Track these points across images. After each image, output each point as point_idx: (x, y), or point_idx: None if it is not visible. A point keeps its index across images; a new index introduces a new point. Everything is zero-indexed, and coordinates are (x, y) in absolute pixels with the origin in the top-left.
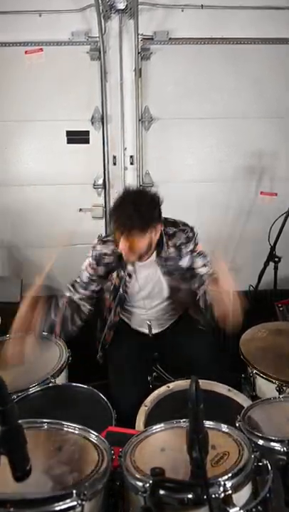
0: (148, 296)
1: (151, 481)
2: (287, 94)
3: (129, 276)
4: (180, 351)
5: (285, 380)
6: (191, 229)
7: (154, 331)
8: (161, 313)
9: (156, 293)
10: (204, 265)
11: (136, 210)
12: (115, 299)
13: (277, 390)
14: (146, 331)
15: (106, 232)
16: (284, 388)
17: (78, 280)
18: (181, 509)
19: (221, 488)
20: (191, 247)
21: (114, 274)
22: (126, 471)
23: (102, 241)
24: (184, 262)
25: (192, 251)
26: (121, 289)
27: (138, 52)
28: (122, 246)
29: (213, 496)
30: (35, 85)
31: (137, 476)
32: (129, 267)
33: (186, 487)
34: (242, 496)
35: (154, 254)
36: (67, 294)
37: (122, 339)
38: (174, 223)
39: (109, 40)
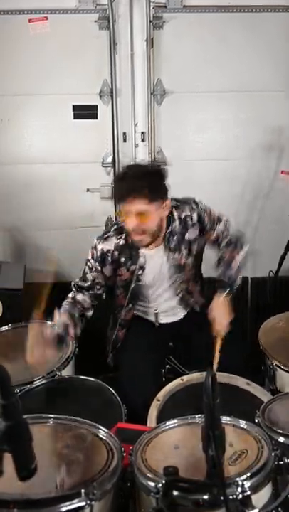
0: (155, 285)
1: (163, 481)
2: None
3: (142, 269)
4: (195, 342)
5: None
6: (194, 200)
7: (164, 320)
8: (169, 301)
9: (162, 279)
10: (220, 232)
11: (144, 176)
12: (127, 294)
13: None
14: (153, 319)
15: (116, 213)
16: None
17: (80, 282)
18: (196, 511)
19: (239, 489)
20: (196, 217)
21: (124, 269)
22: (137, 470)
23: (103, 238)
24: (191, 234)
25: (200, 221)
26: (133, 284)
27: (150, 21)
28: (131, 223)
29: (231, 497)
30: (39, 56)
31: (149, 475)
32: (141, 259)
33: (201, 487)
34: (261, 496)
35: (162, 244)
36: (71, 295)
37: (134, 334)
38: (177, 199)
39: (118, 8)
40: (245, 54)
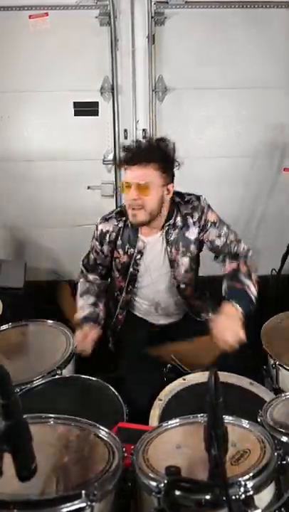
0: (154, 280)
1: (165, 481)
2: None
3: (140, 253)
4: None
5: None
6: (197, 197)
7: (162, 321)
8: (166, 300)
9: (161, 274)
10: (219, 235)
11: (157, 143)
12: (126, 277)
13: None
14: (153, 320)
15: (119, 183)
16: None
17: (85, 261)
18: (198, 511)
19: (242, 489)
20: (197, 216)
21: (121, 252)
22: (138, 469)
23: (104, 219)
24: (191, 234)
25: (200, 220)
26: (131, 268)
27: (151, 17)
28: (131, 194)
29: (233, 497)
30: (39, 53)
31: (151, 475)
32: (140, 244)
33: (203, 487)
34: (264, 496)
35: (161, 234)
36: (81, 278)
37: (134, 326)
38: (180, 193)
39: (120, 4)
40: (247, 50)
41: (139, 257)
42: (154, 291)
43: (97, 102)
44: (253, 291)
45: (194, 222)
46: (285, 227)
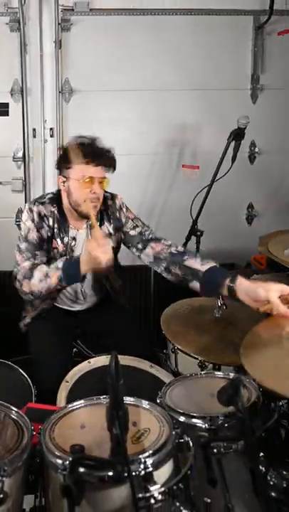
0: None
1: (70, 459)
2: (209, 65)
3: (74, 240)
4: (102, 327)
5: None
6: (112, 195)
7: (78, 308)
8: (90, 287)
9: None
10: (135, 226)
11: (108, 148)
12: None
13: (199, 366)
14: (71, 307)
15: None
16: (206, 364)
17: (25, 244)
18: (101, 487)
19: (142, 466)
20: (114, 211)
21: (59, 241)
22: (45, 448)
23: (39, 202)
24: (110, 226)
25: (118, 214)
26: (68, 256)
27: (58, 24)
28: (95, 188)
29: (134, 473)
30: None
31: (56, 453)
32: (72, 231)
33: (106, 465)
34: (163, 473)
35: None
36: (27, 265)
37: (45, 316)
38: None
39: (29, 11)
40: (148, 55)
41: (73, 243)
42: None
43: (8, 103)
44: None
45: (109, 218)
46: (184, 220)
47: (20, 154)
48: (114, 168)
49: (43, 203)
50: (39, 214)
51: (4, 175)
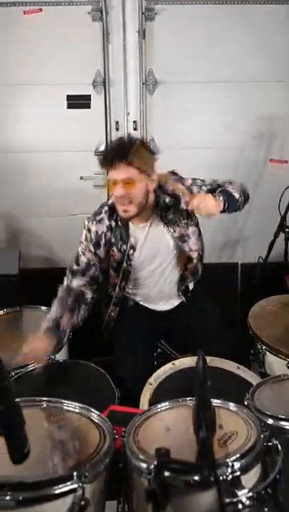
0: (158, 269)
1: (155, 462)
2: None
3: (133, 248)
4: (187, 327)
5: None
6: (172, 172)
7: (158, 308)
8: (163, 286)
9: (168, 263)
10: (201, 186)
11: (132, 142)
12: (119, 274)
13: (287, 367)
14: (154, 307)
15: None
16: None
17: (75, 266)
18: (187, 491)
19: (229, 470)
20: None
21: (115, 249)
22: (129, 451)
23: (96, 220)
24: (184, 204)
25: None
26: (124, 264)
27: (142, 13)
28: (119, 191)
29: (221, 477)
30: (33, 48)
31: (141, 457)
32: (132, 240)
33: (192, 469)
34: (251, 477)
35: (154, 215)
36: (65, 282)
37: (128, 317)
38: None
39: (111, 0)
40: (235, 45)
41: (131, 252)
42: (157, 278)
43: (90, 95)
44: (236, 194)
45: (175, 222)
46: (272, 216)
47: (102, 148)
48: (126, 158)
49: (100, 220)
50: (96, 233)
51: (86, 169)
